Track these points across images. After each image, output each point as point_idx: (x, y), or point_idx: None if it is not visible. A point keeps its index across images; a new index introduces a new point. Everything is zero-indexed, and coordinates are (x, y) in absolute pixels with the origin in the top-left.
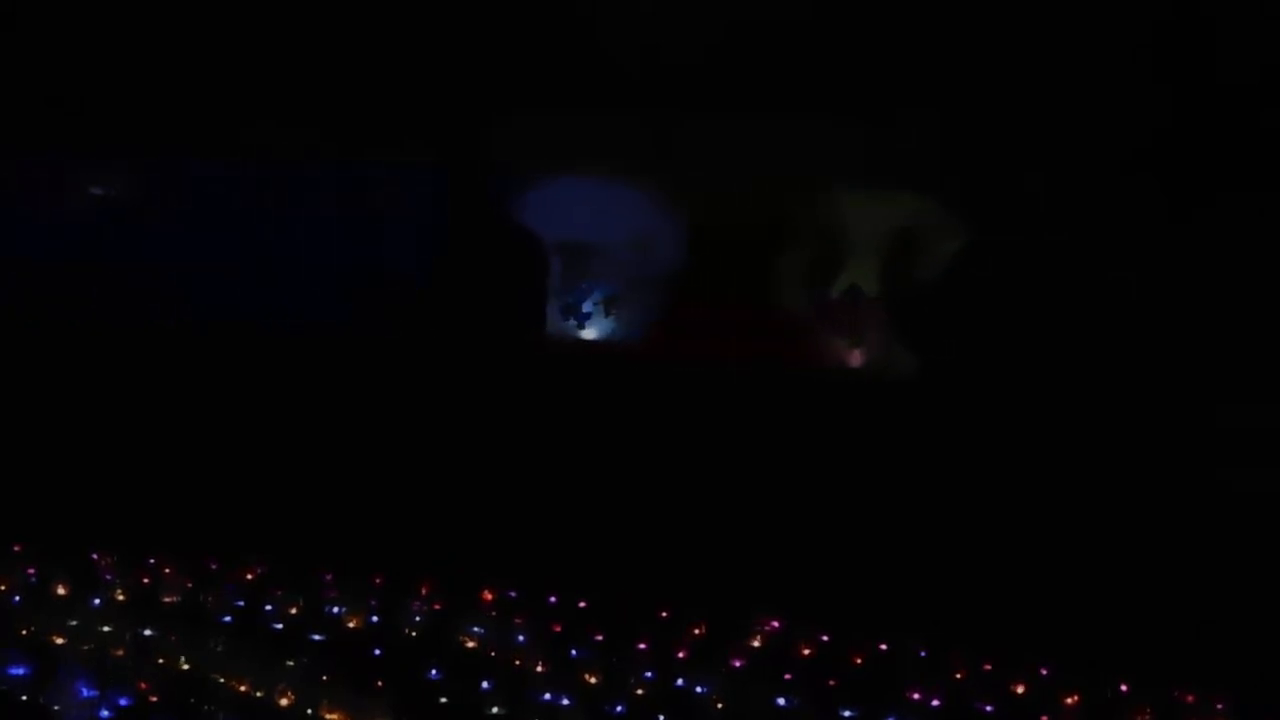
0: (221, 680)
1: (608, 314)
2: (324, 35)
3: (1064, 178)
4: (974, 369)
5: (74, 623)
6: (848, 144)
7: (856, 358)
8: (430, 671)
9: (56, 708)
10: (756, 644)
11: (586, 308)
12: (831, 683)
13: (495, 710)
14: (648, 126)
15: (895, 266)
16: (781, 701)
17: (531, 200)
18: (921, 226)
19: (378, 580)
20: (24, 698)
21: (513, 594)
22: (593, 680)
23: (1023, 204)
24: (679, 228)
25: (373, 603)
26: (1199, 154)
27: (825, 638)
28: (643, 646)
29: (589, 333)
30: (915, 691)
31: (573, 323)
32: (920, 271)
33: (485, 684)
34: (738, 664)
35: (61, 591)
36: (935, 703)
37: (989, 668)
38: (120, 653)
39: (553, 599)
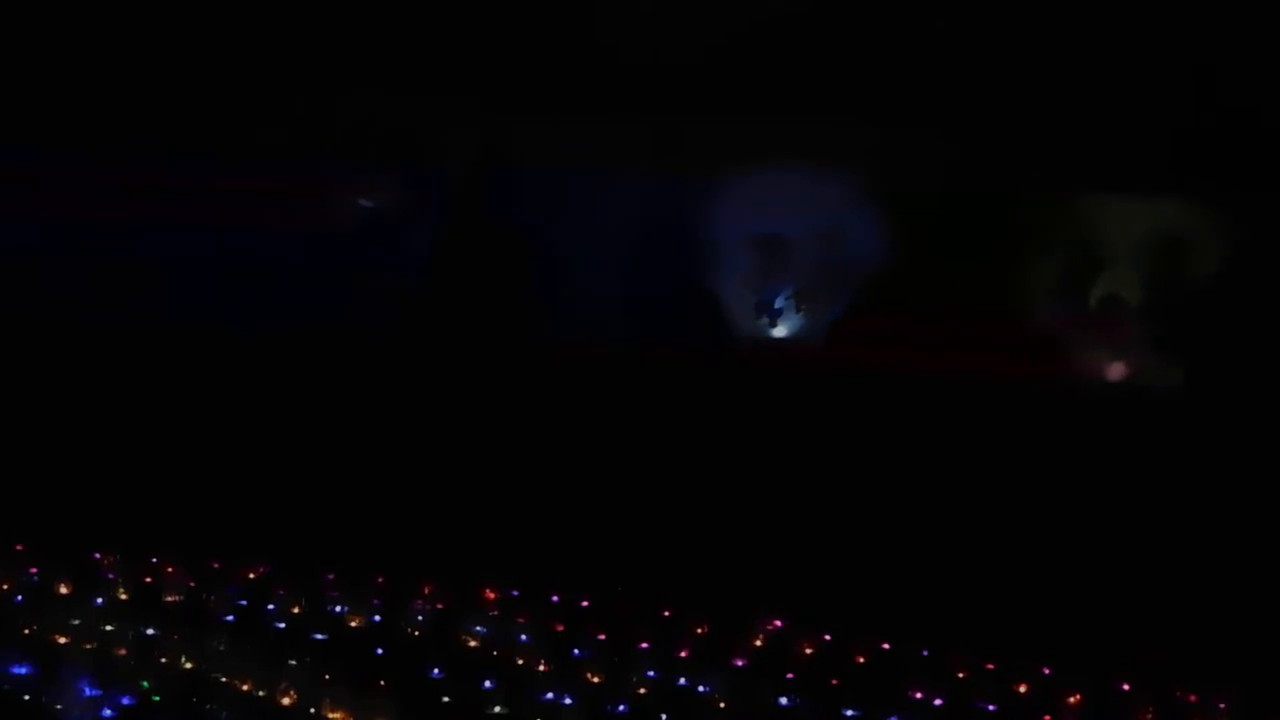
0: (224, 679)
1: (799, 311)
2: (330, 34)
3: None
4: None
5: (76, 622)
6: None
7: (1118, 371)
8: (432, 671)
9: (59, 707)
10: (759, 643)
11: (778, 304)
12: (834, 682)
13: (497, 709)
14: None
15: (1161, 273)
16: (784, 701)
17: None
18: (1187, 230)
19: (380, 579)
20: (26, 697)
21: (515, 593)
22: (595, 679)
23: None
24: (895, 229)
25: (375, 602)
26: None
27: (827, 637)
28: (645, 646)
29: (780, 330)
30: (917, 691)
31: (765, 320)
32: (1187, 278)
33: (487, 683)
34: (740, 663)
35: (63, 591)
36: (937, 702)
37: (991, 667)
38: (122, 652)
39: (555, 598)
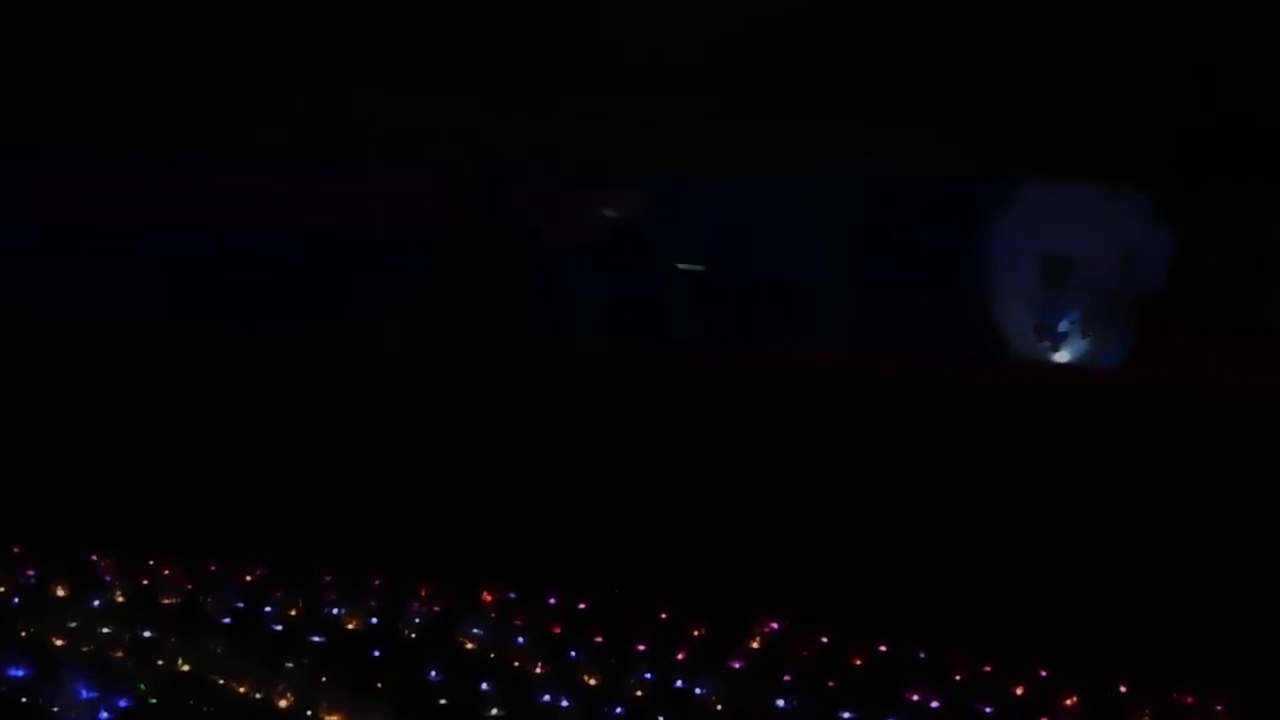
0: (221, 681)
1: (1084, 335)
2: (330, 34)
3: None
4: None
5: (73, 624)
6: None
7: None
8: (430, 673)
9: (56, 709)
10: (756, 645)
11: (1063, 327)
12: (831, 684)
13: (495, 712)
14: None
15: None
16: (781, 703)
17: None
18: None
19: (377, 581)
20: (24, 699)
21: (512, 595)
22: (592, 681)
23: None
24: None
25: (372, 604)
26: None
27: (825, 639)
28: (642, 648)
29: (1063, 355)
30: (915, 693)
31: (1046, 343)
32: None
33: (485, 685)
34: (737, 665)
35: (61, 593)
36: (935, 704)
37: (989, 669)
38: (120, 654)
39: (552, 600)
